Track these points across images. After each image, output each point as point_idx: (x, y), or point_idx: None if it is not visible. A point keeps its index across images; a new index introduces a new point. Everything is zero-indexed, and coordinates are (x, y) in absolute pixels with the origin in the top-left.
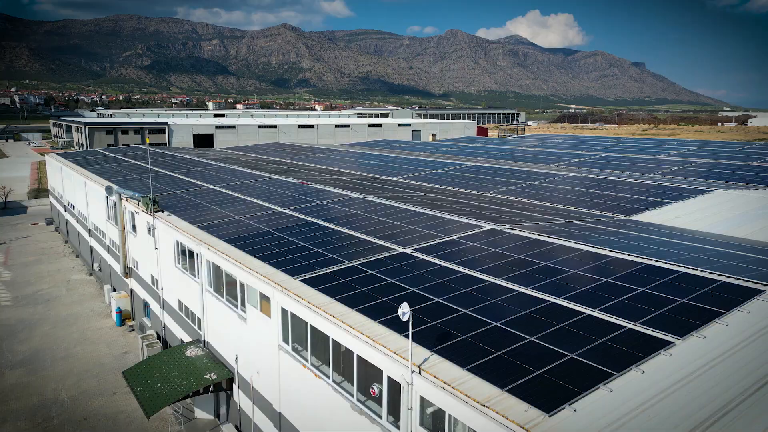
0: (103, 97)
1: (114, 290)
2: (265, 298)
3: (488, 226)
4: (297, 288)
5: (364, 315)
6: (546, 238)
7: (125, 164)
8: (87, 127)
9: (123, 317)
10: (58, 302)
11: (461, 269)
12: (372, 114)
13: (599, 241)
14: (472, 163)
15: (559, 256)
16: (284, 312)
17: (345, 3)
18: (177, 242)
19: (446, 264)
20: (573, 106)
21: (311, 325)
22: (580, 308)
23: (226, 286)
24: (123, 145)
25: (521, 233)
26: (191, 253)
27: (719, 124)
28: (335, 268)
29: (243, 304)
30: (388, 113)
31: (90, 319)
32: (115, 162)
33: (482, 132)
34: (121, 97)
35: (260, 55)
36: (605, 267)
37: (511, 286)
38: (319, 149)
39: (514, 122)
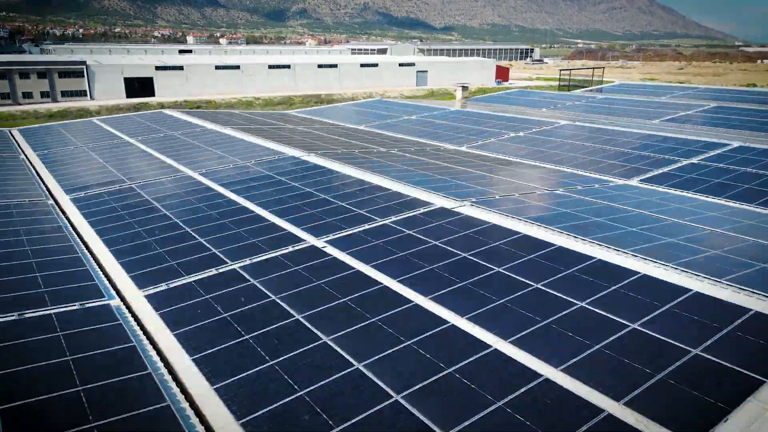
0: (80, 30)
1: None
2: None
3: None
4: None
5: None
6: None
7: None
8: None
9: None
10: None
11: None
12: (368, 50)
13: None
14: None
15: None
16: None
17: None
18: None
19: None
20: (579, 40)
21: None
22: None
23: None
24: (22, 93)
25: None
26: None
27: (758, 61)
28: None
29: None
30: (386, 49)
31: None
32: None
33: (503, 73)
34: (100, 31)
35: None
36: None
37: None
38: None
39: (528, 59)
